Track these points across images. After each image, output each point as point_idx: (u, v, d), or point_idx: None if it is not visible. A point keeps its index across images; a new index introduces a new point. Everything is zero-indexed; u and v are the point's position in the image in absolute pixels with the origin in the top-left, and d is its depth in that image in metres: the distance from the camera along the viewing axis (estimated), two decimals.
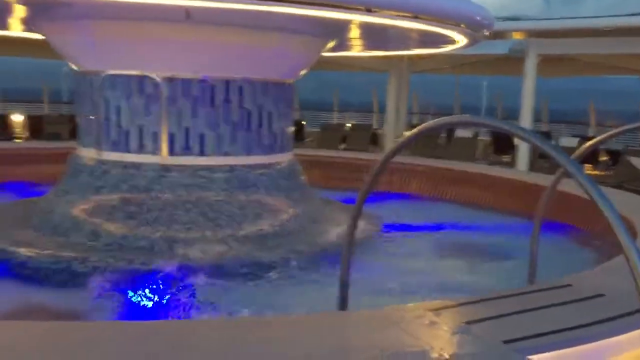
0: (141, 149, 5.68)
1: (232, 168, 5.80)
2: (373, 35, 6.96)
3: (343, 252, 3.00)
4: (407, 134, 2.65)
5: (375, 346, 2.17)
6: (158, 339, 2.20)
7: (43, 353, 2.11)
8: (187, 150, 5.69)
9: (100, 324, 3.35)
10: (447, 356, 2.13)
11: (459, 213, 7.83)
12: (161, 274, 4.78)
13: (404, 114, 19.34)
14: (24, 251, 5.03)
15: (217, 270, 4.88)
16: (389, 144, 17.47)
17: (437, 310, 2.56)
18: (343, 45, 7.61)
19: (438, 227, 6.95)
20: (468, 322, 2.46)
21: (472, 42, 6.50)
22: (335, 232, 6.10)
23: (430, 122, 2.62)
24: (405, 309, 2.60)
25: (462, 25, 5.54)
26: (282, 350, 2.09)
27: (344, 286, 3.05)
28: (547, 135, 18.07)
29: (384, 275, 5.03)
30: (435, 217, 7.47)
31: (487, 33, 6.18)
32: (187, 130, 5.67)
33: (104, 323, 3.59)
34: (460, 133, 16.72)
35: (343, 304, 3.03)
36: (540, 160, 13.65)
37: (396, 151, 2.72)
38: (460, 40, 6.37)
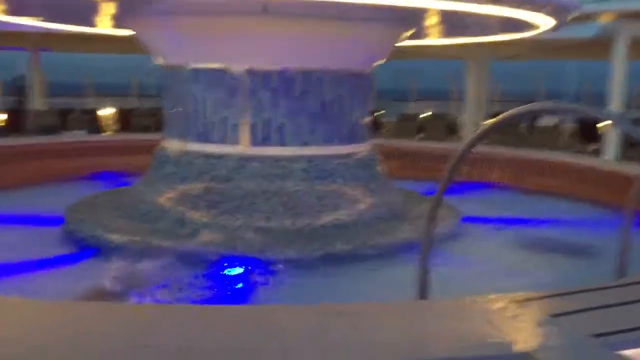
0: (223, 140, 5.85)
1: (310, 158, 5.86)
2: (452, 23, 6.82)
3: (423, 242, 2.98)
4: (490, 122, 2.59)
5: (456, 336, 2.15)
6: (244, 324, 2.27)
7: (130, 333, 2.23)
8: (267, 140, 5.81)
9: (188, 307, 3.49)
10: (531, 349, 2.08)
11: (542, 204, 7.51)
12: (243, 260, 4.93)
13: (483, 102, 18.82)
14: (115, 237, 5.31)
15: (296, 259, 4.96)
16: (468, 133, 17.07)
17: (521, 302, 2.49)
18: (421, 33, 7.50)
19: (519, 221, 6.67)
20: (554, 315, 2.39)
21: (557, 25, 6.25)
22: (413, 222, 6.06)
23: (514, 110, 2.55)
24: (488, 299, 2.55)
25: (546, 9, 5.34)
26: (363, 337, 2.12)
27: (424, 275, 3.04)
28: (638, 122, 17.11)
29: (461, 268, 4.93)
30: (516, 209, 7.20)
31: (573, 16, 5.93)
32: (267, 121, 5.79)
33: (191, 306, 3.74)
34: (543, 121, 16.10)
35: (423, 294, 3.02)
36: (630, 150, 12.94)
37: (477, 140, 2.68)
38: (545, 24, 6.14)
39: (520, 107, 2.66)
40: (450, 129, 18.19)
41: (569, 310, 2.45)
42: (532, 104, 2.74)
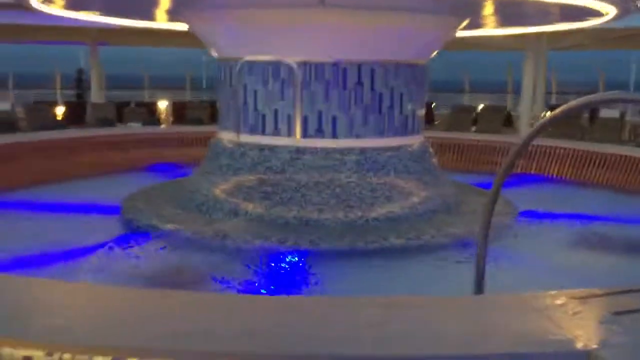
0: (276, 132, 5.89)
1: (363, 150, 5.84)
2: (510, 11, 6.65)
3: (479, 236, 2.92)
4: (551, 114, 2.51)
5: (515, 332, 2.10)
6: (303, 313, 2.29)
7: (188, 320, 2.27)
8: (319, 132, 5.81)
9: (238, 297, 3.54)
10: (593, 347, 2.01)
11: (603, 200, 7.26)
12: (294, 252, 4.96)
13: (541, 94, 18.34)
14: (171, 227, 5.43)
15: (349, 252, 4.96)
16: (524, 125, 16.67)
17: (582, 299, 2.41)
18: (477, 23, 7.35)
19: (579, 216, 6.40)
20: (617, 313, 2.31)
21: (622, 13, 6.01)
22: (467, 216, 5.97)
23: (577, 101, 2.46)
24: (547, 295, 2.48)
25: None
26: (423, 330, 2.10)
27: (480, 270, 2.98)
28: None
29: (517, 265, 4.80)
30: (576, 204, 6.92)
31: (638, 4, 5.68)
32: (319, 113, 5.79)
33: (241, 296, 3.80)
34: (605, 113, 15.56)
35: (479, 289, 2.96)
36: None
37: (537, 133, 2.60)
38: (609, 12, 5.91)
39: (583, 98, 2.56)
40: (506, 122, 17.82)
41: (632, 308, 2.36)
42: (595, 94, 2.64)
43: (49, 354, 1.96)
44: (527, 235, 5.83)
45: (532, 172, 8.45)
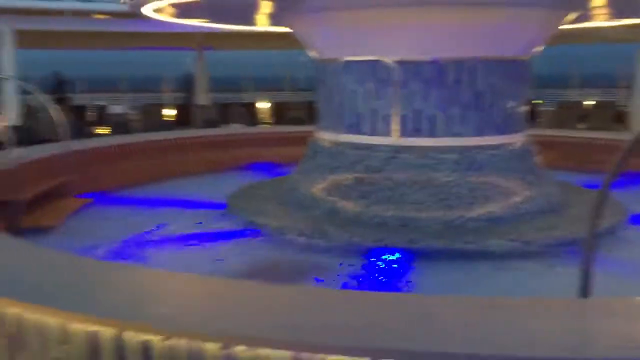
0: (374, 131, 5.93)
1: (462, 149, 5.76)
2: (622, 1, 6.30)
3: (586, 239, 2.82)
4: None
5: (623, 336, 2.03)
6: (403, 310, 2.33)
7: (297, 311, 2.37)
8: (417, 131, 5.79)
9: (346, 292, 3.63)
10: None
11: None
12: (391, 251, 4.98)
13: None
14: (273, 223, 5.62)
15: (447, 252, 4.92)
16: (637, 122, 15.67)
17: None
18: (586, 15, 7.01)
19: None
20: None
21: None
22: (573, 217, 5.73)
23: None
24: None
25: None
26: (522, 329, 2.07)
27: (587, 275, 2.87)
28: None
29: (621, 273, 4.52)
30: None
31: None
32: (417, 112, 5.77)
33: (349, 291, 3.88)
34: None
35: (584, 293, 2.85)
36: None
37: None
38: None
39: None
40: (618, 118, 16.83)
41: None
42: None
43: (166, 338, 2.13)
44: (635, 239, 5.49)
45: None
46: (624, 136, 10.27)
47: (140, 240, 5.47)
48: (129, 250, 5.21)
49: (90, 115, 17.22)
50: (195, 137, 9.71)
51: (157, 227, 5.90)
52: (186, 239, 5.55)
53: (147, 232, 5.72)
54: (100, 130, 15.32)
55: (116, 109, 18.13)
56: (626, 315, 2.25)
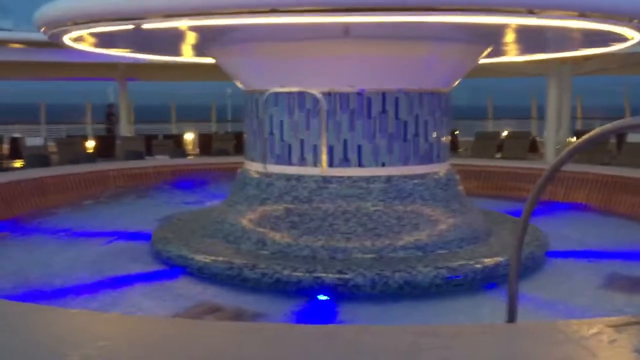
0: (302, 162, 5.94)
1: (389, 178, 5.85)
2: (533, 38, 6.67)
3: (511, 263, 2.90)
4: (582, 138, 2.51)
5: (546, 358, 2.08)
6: (333, 343, 2.29)
7: (223, 352, 2.29)
8: (345, 162, 5.85)
9: (277, 326, 3.55)
10: None
11: (635, 230, 7.03)
12: (321, 283, 4.95)
13: (566, 119, 18.20)
14: (201, 258, 5.48)
15: (375, 282, 4.94)
16: (550, 151, 16.53)
17: (618, 327, 2.38)
18: (499, 50, 7.38)
19: (610, 255, 5.98)
20: None
21: None
22: (496, 243, 5.91)
23: (608, 126, 2.45)
24: (582, 323, 2.45)
25: (635, 21, 5.13)
26: (453, 357, 2.08)
27: (513, 300, 2.95)
28: None
29: (543, 313, 4.54)
30: (607, 236, 6.66)
31: None
32: (345, 142, 5.84)
33: (275, 325, 3.79)
34: (633, 137, 15.37)
35: (512, 318, 2.93)
36: None
37: (568, 158, 2.59)
38: (633, 37, 5.89)
39: (614, 122, 2.56)
40: (532, 148, 17.69)
41: None
42: (627, 119, 2.63)
43: None
44: (551, 272, 5.55)
45: (560, 199, 8.34)
46: (539, 165, 10.83)
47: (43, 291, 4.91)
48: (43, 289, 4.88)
49: (4, 147, 16.43)
50: (118, 170, 9.43)
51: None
52: (98, 286, 5.06)
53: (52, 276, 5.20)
54: (15, 164, 14.62)
55: (34, 140, 17.37)
56: (551, 339, 2.31)
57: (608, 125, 2.42)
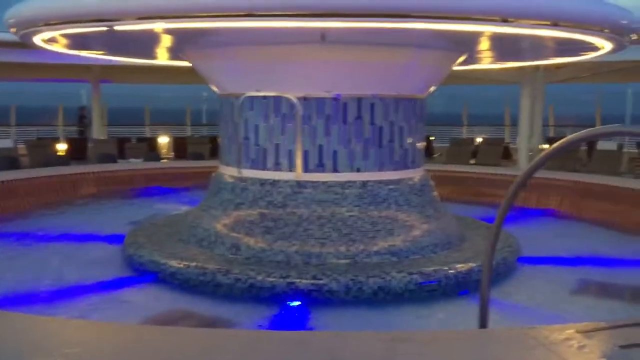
0: (277, 167, 5.92)
1: (364, 184, 5.86)
2: (507, 46, 6.76)
3: (483, 269, 2.92)
4: (554, 145, 2.54)
5: None
6: (306, 350, 2.27)
7: (194, 359, 2.26)
8: (320, 167, 5.85)
9: (245, 332, 3.51)
10: None
11: (605, 237, 7.11)
12: (295, 288, 4.93)
13: (538, 126, 18.47)
14: (174, 263, 5.41)
15: (349, 287, 4.94)
16: (523, 158, 16.75)
17: (587, 332, 2.40)
18: (474, 58, 7.46)
19: (581, 261, 6.04)
20: (623, 347, 2.29)
21: (617, 48, 6.11)
22: (469, 248, 5.96)
23: (580, 133, 2.49)
24: (552, 329, 2.47)
25: (606, 31, 5.23)
26: None
27: (485, 305, 2.97)
28: None
29: (515, 318, 4.56)
30: (577, 243, 6.74)
31: (634, 37, 5.78)
32: (320, 148, 5.83)
33: (249, 331, 3.76)
34: (603, 145, 15.67)
35: (484, 324, 2.94)
36: None
37: (540, 165, 2.62)
38: (604, 46, 6.01)
39: (585, 130, 2.60)
40: (505, 155, 17.91)
41: (638, 341, 2.35)
42: (597, 127, 2.67)
43: None
44: (521, 278, 5.59)
45: (532, 206, 8.45)
46: (512, 171, 10.97)
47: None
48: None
49: None
50: (89, 173, 9.29)
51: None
52: (70, 293, 4.94)
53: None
54: None
55: (3, 142, 17.04)
56: (522, 344, 2.33)
57: (579, 133, 2.46)
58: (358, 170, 5.89)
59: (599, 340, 2.37)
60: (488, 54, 7.54)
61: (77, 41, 6.64)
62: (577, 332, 2.42)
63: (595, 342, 2.34)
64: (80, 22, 5.09)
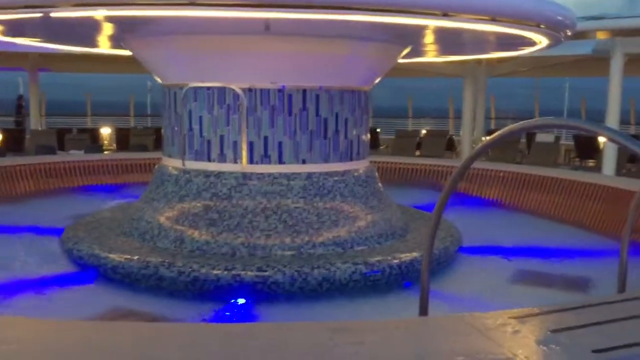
0: (222, 158, 5.87)
1: (309, 175, 5.88)
2: (449, 40, 6.89)
3: (424, 258, 2.99)
4: (489, 137, 2.61)
5: (456, 352, 2.15)
6: (247, 341, 2.27)
7: (136, 353, 2.22)
8: (265, 158, 5.83)
9: (188, 326, 3.48)
10: None
11: (542, 226, 7.38)
12: (240, 281, 4.91)
13: (481, 119, 18.95)
14: (114, 256, 5.30)
15: (294, 279, 4.95)
16: (466, 150, 17.16)
17: (521, 318, 2.49)
18: (418, 51, 7.57)
19: (518, 251, 6.22)
20: (554, 331, 2.39)
21: (554, 43, 6.31)
22: (413, 239, 6.07)
23: (513, 125, 2.57)
24: (487, 316, 2.55)
25: (542, 26, 5.40)
26: (369, 353, 2.12)
27: (425, 293, 3.04)
28: (636, 138, 17.23)
29: (454, 306, 4.67)
30: (514, 232, 6.97)
31: (569, 33, 5.99)
32: (265, 139, 5.81)
33: (192, 325, 3.73)
34: (541, 137, 16.20)
35: (424, 311, 3.02)
36: (628, 165, 13.03)
37: (477, 156, 2.70)
38: (541, 41, 6.20)
39: (517, 123, 2.68)
40: (449, 146, 18.30)
41: (569, 325, 2.45)
42: (528, 120, 2.76)
43: None
44: (461, 268, 5.72)
45: (472, 195, 8.68)
46: (455, 162, 11.23)
47: None
48: None
49: None
50: (26, 165, 8.97)
51: None
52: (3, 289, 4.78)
53: None
54: None
55: None
56: (460, 331, 2.39)
57: (516, 125, 2.54)
58: (303, 161, 5.90)
59: (532, 325, 2.46)
60: (431, 47, 7.66)
61: (11, 27, 6.38)
62: (511, 317, 2.51)
63: (528, 327, 2.43)
64: (14, 8, 4.89)
